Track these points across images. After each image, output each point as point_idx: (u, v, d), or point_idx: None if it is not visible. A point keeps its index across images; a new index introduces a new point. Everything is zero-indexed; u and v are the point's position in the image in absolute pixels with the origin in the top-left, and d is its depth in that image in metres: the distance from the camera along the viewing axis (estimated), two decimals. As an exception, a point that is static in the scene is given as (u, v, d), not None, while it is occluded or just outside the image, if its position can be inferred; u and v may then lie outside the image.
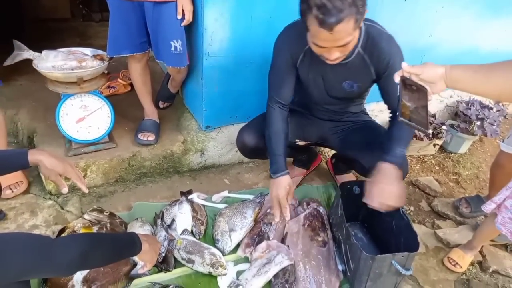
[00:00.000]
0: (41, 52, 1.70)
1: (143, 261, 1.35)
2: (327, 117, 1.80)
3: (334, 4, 1.17)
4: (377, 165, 1.44)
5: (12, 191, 1.78)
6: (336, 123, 1.80)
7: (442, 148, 2.60)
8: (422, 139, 2.44)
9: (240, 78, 1.96)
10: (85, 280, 1.40)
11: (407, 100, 1.09)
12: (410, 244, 1.45)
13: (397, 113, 1.11)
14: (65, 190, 1.28)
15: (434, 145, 2.50)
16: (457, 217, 2.00)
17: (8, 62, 1.65)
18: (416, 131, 1.38)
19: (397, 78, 1.09)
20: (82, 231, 1.54)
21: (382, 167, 1.43)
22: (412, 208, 2.09)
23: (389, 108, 1.62)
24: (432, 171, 2.42)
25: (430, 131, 2.40)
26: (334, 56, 1.34)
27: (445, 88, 1.07)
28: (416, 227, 1.85)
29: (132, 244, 1.23)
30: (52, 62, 1.66)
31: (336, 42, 1.28)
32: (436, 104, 2.73)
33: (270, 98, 1.67)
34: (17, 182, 1.80)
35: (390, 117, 1.63)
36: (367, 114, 1.86)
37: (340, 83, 1.59)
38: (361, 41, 1.45)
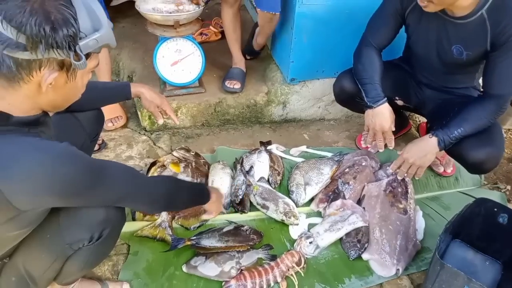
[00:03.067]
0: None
1: (210, 209, 1.46)
2: (428, 81, 1.67)
3: None
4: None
5: (113, 124, 1.98)
6: (437, 91, 1.66)
7: (558, 126, 2.25)
8: (533, 112, 2.13)
9: (332, 29, 1.87)
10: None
11: None
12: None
13: None
14: (161, 121, 1.45)
15: (549, 121, 2.18)
16: None
17: (114, 2, 1.77)
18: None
19: None
20: (170, 166, 1.68)
21: (425, 138, 1.49)
22: (508, 188, 1.89)
23: (483, 86, 1.47)
24: (540, 149, 2.14)
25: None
26: None
27: None
28: (512, 208, 1.67)
29: (203, 193, 1.33)
30: (153, 4, 1.74)
31: None
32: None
33: (363, 39, 1.61)
34: (117, 117, 2.00)
35: (479, 94, 1.51)
36: (479, 91, 1.63)
37: (450, 45, 1.46)
38: (488, 3, 1.31)
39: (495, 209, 1.43)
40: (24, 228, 0.92)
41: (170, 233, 1.48)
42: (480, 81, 1.60)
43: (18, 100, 0.81)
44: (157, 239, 1.47)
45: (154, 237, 1.48)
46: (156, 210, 1.41)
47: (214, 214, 1.52)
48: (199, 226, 1.55)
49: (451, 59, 1.50)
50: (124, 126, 2.03)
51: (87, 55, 0.83)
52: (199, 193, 1.32)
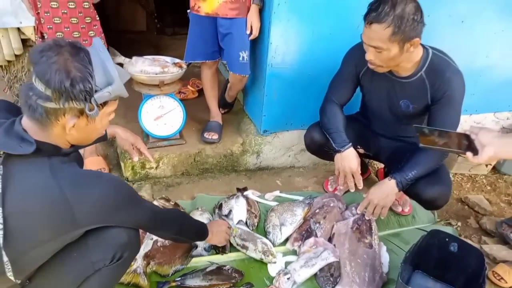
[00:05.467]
0: (131, 58, 2.01)
1: (215, 243, 1.65)
2: (383, 132, 1.93)
3: (383, 8, 1.42)
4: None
5: (96, 176, 2.07)
6: (391, 140, 1.92)
7: (495, 169, 2.58)
8: (474, 158, 2.44)
9: (298, 88, 2.15)
10: (146, 256, 1.56)
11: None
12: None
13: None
14: (135, 158, 1.59)
15: (487, 165, 2.49)
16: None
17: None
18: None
19: None
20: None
21: (385, 181, 1.68)
22: (459, 224, 2.12)
23: None
24: (483, 190, 2.42)
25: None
26: (368, 55, 1.55)
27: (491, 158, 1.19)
28: (462, 240, 1.88)
29: (204, 231, 1.51)
30: (141, 67, 1.95)
31: (370, 40, 1.50)
32: (492, 126, 2.71)
33: (326, 98, 1.87)
34: (100, 169, 2.09)
35: None
36: None
37: (398, 100, 1.74)
38: (425, 67, 1.62)
39: (447, 239, 1.63)
40: (60, 246, 1.06)
41: (144, 278, 1.50)
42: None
43: (54, 138, 1.00)
44: (131, 285, 1.48)
45: (128, 282, 1.48)
46: (169, 235, 1.41)
47: (215, 242, 1.64)
48: (173, 274, 1.58)
49: (400, 112, 1.77)
50: (107, 177, 2.12)
51: (104, 103, 1.02)
52: (200, 231, 1.48)
